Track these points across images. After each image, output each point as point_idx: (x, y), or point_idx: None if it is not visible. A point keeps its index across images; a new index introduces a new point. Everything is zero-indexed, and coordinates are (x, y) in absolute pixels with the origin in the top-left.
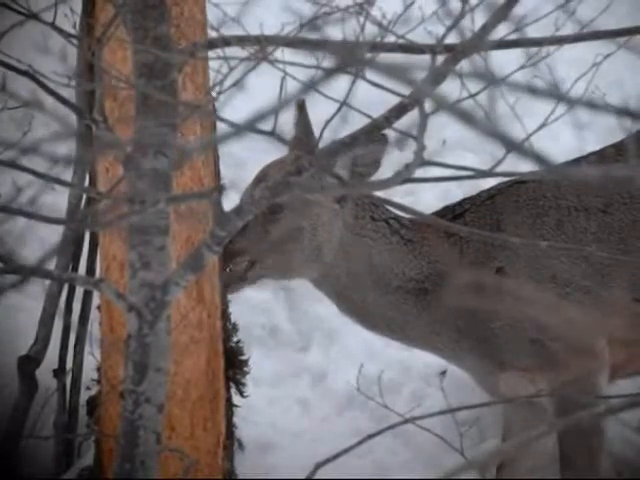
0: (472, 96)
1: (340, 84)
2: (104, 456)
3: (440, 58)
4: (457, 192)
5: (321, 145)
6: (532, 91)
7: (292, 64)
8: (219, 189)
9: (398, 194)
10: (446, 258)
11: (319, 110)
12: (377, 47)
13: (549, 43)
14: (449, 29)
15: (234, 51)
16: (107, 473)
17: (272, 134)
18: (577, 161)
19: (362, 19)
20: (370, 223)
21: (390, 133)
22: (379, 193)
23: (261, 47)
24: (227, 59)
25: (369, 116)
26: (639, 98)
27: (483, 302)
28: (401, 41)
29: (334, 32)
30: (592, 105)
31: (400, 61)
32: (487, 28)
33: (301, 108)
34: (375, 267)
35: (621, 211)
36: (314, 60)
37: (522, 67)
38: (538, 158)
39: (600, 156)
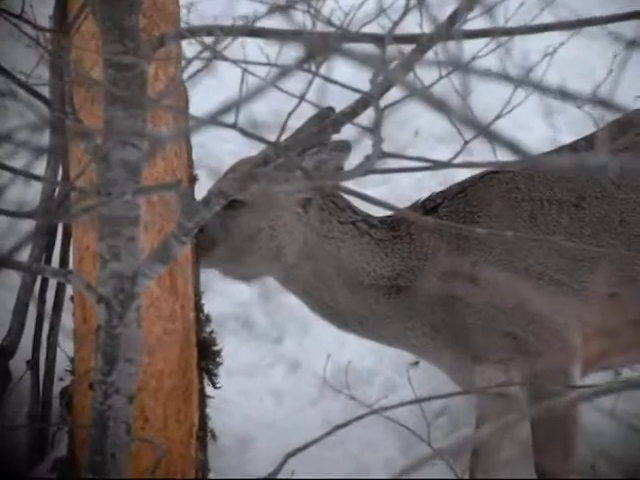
0: (432, 84)
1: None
2: (78, 447)
3: (391, 48)
4: (431, 182)
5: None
6: (498, 77)
7: (248, 62)
8: (191, 180)
9: (372, 184)
10: (419, 254)
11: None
12: (338, 38)
13: (509, 33)
14: (396, 23)
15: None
16: (80, 463)
17: (235, 126)
18: (548, 154)
19: (313, 14)
20: (337, 226)
21: (356, 125)
22: (352, 185)
23: (215, 41)
24: (186, 58)
25: (314, 103)
26: (610, 88)
27: (457, 296)
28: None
29: (288, 25)
30: (563, 93)
31: (369, 51)
32: (453, 18)
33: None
34: (346, 267)
35: (593, 205)
36: (274, 52)
37: (474, 58)
38: (510, 145)
39: (572, 149)
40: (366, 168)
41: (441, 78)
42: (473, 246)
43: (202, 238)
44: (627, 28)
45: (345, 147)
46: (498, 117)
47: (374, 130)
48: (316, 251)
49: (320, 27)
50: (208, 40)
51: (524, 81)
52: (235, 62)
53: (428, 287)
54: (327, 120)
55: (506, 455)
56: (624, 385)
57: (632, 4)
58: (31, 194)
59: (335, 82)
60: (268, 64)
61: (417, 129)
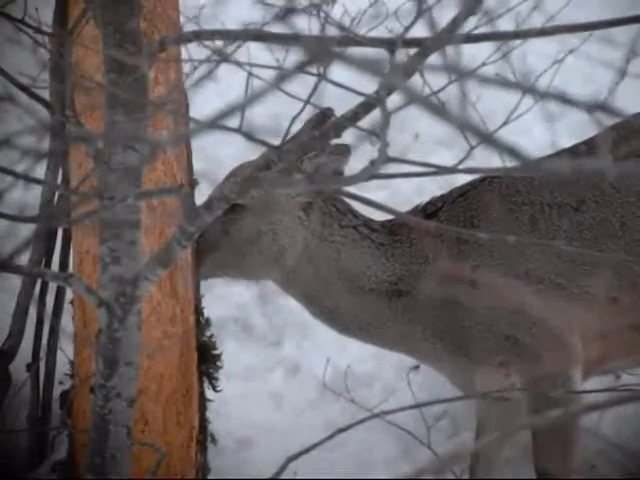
0: (440, 90)
1: (312, 78)
2: (77, 450)
3: (403, 53)
4: (431, 186)
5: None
6: (501, 83)
7: (253, 65)
8: (191, 184)
9: (373, 188)
10: (420, 258)
11: (285, 103)
12: (341, 42)
13: (514, 37)
14: (407, 28)
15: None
16: (80, 467)
17: (239, 131)
18: (548, 158)
19: (322, 18)
20: (338, 230)
21: (359, 128)
22: (352, 189)
23: (223, 45)
24: (192, 60)
25: (317, 106)
26: (610, 92)
27: (458, 300)
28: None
29: (295, 30)
30: (563, 98)
31: (371, 56)
32: (456, 22)
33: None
34: (346, 271)
35: (593, 209)
36: (281, 56)
37: (483, 64)
38: (510, 151)
39: (572, 153)
40: (371, 173)
41: (449, 84)
42: (473, 250)
43: (203, 243)
44: (628, 32)
45: (345, 151)
46: (504, 124)
47: (380, 134)
48: (317, 255)
49: (328, 31)
50: (211, 44)
51: (530, 89)
52: (240, 65)
53: (429, 291)
54: (328, 124)
55: (506, 455)
56: (631, 397)
57: (632, 8)
58: (31, 197)
59: (340, 85)
60: (273, 67)
61: (417, 133)
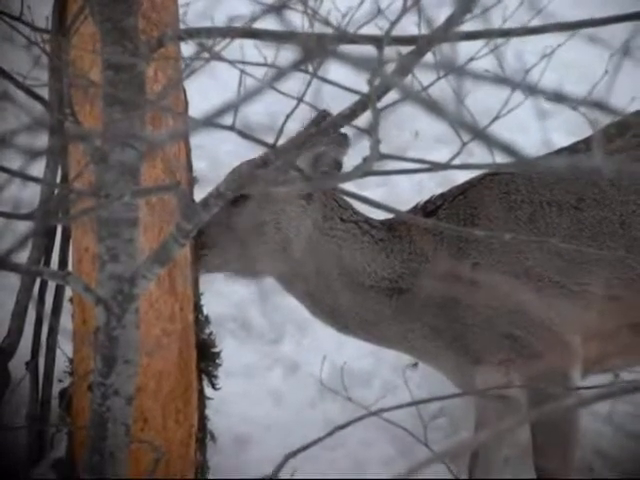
0: (428, 86)
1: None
2: (76, 448)
3: (393, 51)
4: (430, 184)
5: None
6: (492, 79)
7: (245, 63)
8: (191, 182)
9: (371, 185)
10: (420, 256)
11: (282, 101)
12: (333, 39)
13: (500, 35)
14: (393, 24)
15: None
16: (79, 465)
17: (233, 128)
18: (547, 156)
19: (310, 15)
20: (339, 224)
21: (353, 126)
22: (350, 187)
23: (213, 42)
24: (184, 59)
25: (313, 105)
26: (607, 90)
27: (457, 298)
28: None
29: (284, 26)
30: (555, 94)
31: (366, 54)
32: (451, 21)
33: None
34: (347, 267)
35: (592, 207)
36: (269, 53)
37: (471, 59)
38: (504, 148)
39: (571, 151)
40: (364, 170)
41: (437, 79)
42: (473, 248)
43: (206, 236)
44: (624, 30)
45: (343, 140)
46: (495, 119)
47: (371, 132)
48: (318, 248)
49: (317, 28)
50: (206, 41)
51: (521, 84)
52: (232, 63)
53: (429, 289)
54: (326, 121)
55: (506, 454)
56: (624, 389)
57: (632, 6)
58: (27, 193)
59: (332, 83)
60: (265, 65)
61: (417, 130)
